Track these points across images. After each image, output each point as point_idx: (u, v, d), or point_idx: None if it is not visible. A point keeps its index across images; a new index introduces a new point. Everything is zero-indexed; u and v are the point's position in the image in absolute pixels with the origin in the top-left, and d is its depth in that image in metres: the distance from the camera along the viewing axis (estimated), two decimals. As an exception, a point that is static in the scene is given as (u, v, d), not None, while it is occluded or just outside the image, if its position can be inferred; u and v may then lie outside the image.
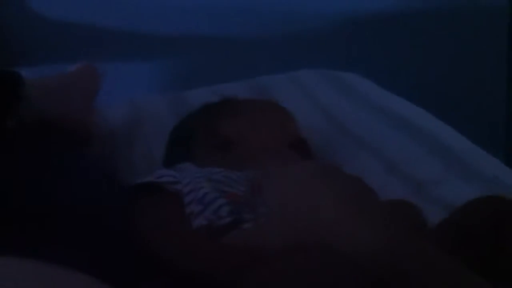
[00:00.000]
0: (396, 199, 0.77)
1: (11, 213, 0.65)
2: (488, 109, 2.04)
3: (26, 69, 0.97)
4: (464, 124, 1.16)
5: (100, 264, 0.58)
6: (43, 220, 0.65)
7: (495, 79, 2.04)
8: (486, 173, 0.99)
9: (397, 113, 1.19)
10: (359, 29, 1.93)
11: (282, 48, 1.89)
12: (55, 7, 1.84)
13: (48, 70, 1.15)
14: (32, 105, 0.88)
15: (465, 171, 1.00)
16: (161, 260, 0.64)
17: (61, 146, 0.87)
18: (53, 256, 0.56)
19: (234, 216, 0.68)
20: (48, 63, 1.74)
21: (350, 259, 0.48)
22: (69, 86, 1.02)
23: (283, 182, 0.57)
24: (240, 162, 0.83)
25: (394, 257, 0.47)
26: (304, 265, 0.49)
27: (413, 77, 1.93)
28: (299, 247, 0.52)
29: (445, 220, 0.63)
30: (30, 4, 1.82)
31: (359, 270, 0.47)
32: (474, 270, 0.47)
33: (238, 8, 1.89)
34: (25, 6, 1.82)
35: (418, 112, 1.22)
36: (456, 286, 0.46)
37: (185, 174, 0.77)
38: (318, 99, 1.29)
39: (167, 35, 1.90)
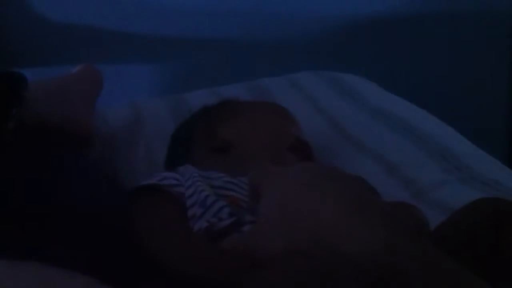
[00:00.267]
0: (396, 200, 0.77)
1: (11, 213, 0.65)
2: (489, 111, 2.05)
3: (26, 70, 0.97)
4: (465, 126, 1.17)
5: (100, 265, 0.58)
6: (43, 220, 0.65)
7: (496, 81, 2.04)
8: (487, 175, 0.98)
9: (397, 115, 1.19)
10: (360, 31, 1.94)
11: (282, 50, 1.90)
12: (56, 8, 1.84)
13: (48, 71, 1.15)
14: (33, 106, 0.88)
15: (466, 173, 1.00)
16: (161, 262, 0.64)
17: (61, 147, 0.88)
18: (53, 257, 0.56)
19: (235, 218, 0.68)
20: (48, 64, 1.74)
21: (350, 259, 0.48)
22: (70, 88, 1.02)
23: (283, 182, 0.57)
24: (240, 165, 0.83)
25: (394, 257, 0.47)
26: (304, 266, 0.49)
27: (414, 79, 1.93)
28: (299, 248, 0.52)
29: (445, 220, 0.63)
30: (31, 5, 1.82)
31: (359, 270, 0.47)
32: (474, 270, 0.47)
33: (238, 10, 1.89)
34: (26, 7, 1.82)
35: (418, 114, 1.22)
36: (456, 286, 0.46)
37: (187, 177, 0.77)
38: (318, 101, 1.29)
39: (167, 37, 1.91)
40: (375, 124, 1.18)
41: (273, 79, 1.42)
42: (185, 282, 0.62)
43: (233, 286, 0.56)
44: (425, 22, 1.96)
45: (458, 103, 1.94)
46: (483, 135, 1.25)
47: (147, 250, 0.66)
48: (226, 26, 1.90)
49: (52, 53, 1.84)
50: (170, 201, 0.74)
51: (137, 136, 1.16)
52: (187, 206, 0.73)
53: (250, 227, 0.66)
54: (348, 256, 0.48)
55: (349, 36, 1.93)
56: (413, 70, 1.96)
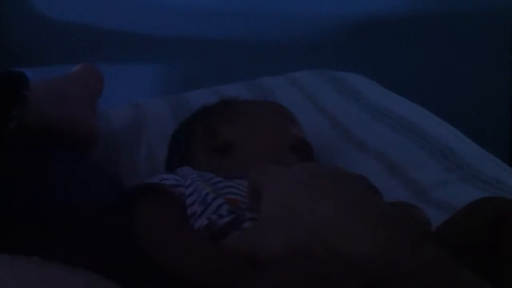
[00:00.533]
0: (398, 200, 0.77)
1: (11, 214, 0.65)
2: (489, 111, 2.05)
3: (27, 70, 0.97)
4: (467, 125, 1.17)
5: (100, 265, 0.58)
6: (43, 221, 0.65)
7: (497, 81, 2.05)
8: (488, 174, 0.98)
9: (399, 114, 1.19)
10: (360, 30, 1.94)
11: (283, 49, 1.90)
12: (57, 9, 1.84)
13: (48, 71, 1.15)
14: (34, 107, 0.88)
15: (467, 172, 1.00)
16: (161, 262, 0.64)
17: (62, 147, 0.87)
18: (53, 257, 0.56)
19: (234, 215, 0.68)
20: (48, 64, 1.74)
21: (350, 259, 0.48)
22: (70, 88, 1.02)
23: (283, 182, 0.57)
24: (241, 164, 0.83)
25: (395, 257, 0.47)
26: (305, 266, 0.49)
27: (414, 79, 1.93)
28: (299, 248, 0.52)
29: (446, 220, 0.63)
30: (31, 5, 1.82)
31: (359, 270, 0.47)
32: (475, 270, 0.47)
33: (238, 10, 1.89)
34: (26, 7, 1.82)
35: (419, 113, 1.22)
36: (456, 286, 0.46)
37: (185, 177, 0.77)
38: (319, 100, 1.29)
39: (168, 37, 1.91)
40: (376, 123, 1.17)
41: (274, 78, 1.42)
42: (185, 282, 0.62)
43: (233, 286, 0.56)
44: (425, 22, 1.96)
45: (458, 103, 1.94)
46: (483, 135, 1.25)
47: (147, 250, 0.66)
48: (226, 26, 1.90)
49: (52, 53, 1.84)
50: (170, 201, 0.74)
51: (139, 136, 1.16)
52: (187, 205, 0.73)
53: (250, 224, 0.66)
54: (348, 256, 0.48)
55: (349, 35, 1.93)
56: (413, 70, 1.97)
